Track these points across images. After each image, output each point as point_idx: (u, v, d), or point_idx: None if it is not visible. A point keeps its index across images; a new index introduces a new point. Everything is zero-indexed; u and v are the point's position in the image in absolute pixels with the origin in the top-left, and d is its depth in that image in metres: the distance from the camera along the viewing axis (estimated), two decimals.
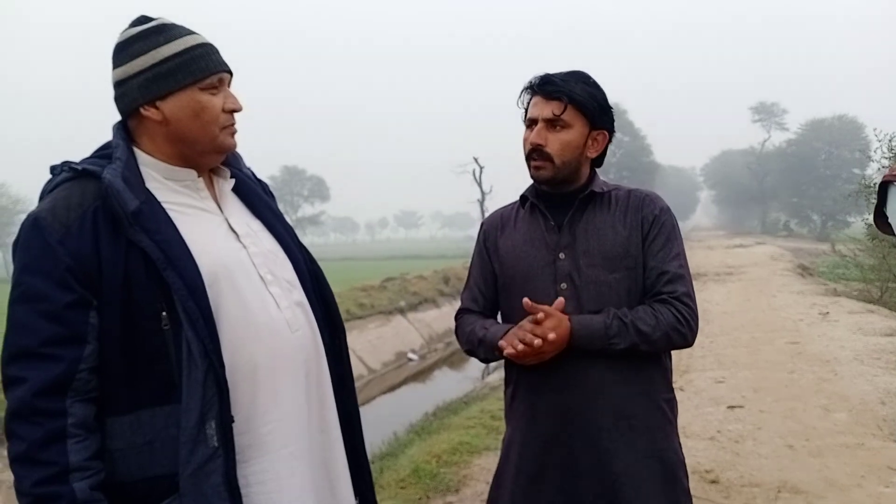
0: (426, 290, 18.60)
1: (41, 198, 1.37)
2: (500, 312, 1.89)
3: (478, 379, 10.76)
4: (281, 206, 1.71)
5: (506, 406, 1.89)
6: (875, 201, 2.12)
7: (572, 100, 1.70)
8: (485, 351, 1.78)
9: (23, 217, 1.37)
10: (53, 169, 1.39)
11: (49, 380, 1.22)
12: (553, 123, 1.72)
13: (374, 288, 16.93)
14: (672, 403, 1.78)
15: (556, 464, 1.71)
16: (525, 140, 1.77)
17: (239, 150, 1.55)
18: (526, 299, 1.63)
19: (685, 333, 1.67)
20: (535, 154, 1.75)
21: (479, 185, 35.10)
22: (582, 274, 1.71)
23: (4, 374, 1.25)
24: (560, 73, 1.76)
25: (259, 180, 1.64)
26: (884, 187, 2.10)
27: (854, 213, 45.73)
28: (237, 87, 1.48)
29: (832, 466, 4.11)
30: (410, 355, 14.47)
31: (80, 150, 1.47)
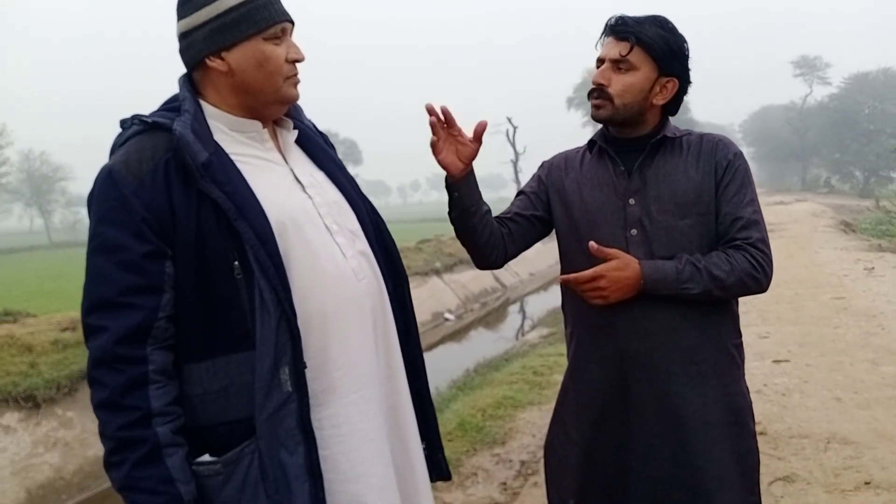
0: (461, 251, 18.26)
1: (112, 151, 1.39)
2: (559, 256, 1.88)
3: (512, 339, 10.81)
4: None
5: (567, 347, 1.91)
6: None
7: (640, 41, 1.66)
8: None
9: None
10: (123, 123, 1.41)
11: (129, 328, 1.25)
12: (618, 64, 1.70)
13: (409, 249, 16.98)
14: (740, 348, 1.77)
15: (620, 406, 1.73)
16: (592, 80, 1.75)
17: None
18: (592, 242, 1.62)
19: (760, 279, 1.65)
20: (595, 93, 1.73)
21: (513, 145, 34.83)
22: (653, 220, 1.69)
23: (85, 324, 1.29)
24: (637, 16, 1.72)
25: (320, 132, 1.66)
26: None
27: None
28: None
29: (881, 418, 4.08)
30: (447, 315, 14.56)
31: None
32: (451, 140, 1.68)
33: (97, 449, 6.27)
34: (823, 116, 54.19)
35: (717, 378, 1.70)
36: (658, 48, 1.67)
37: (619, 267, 1.61)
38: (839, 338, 6.05)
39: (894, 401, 4.38)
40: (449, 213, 1.78)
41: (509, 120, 34.95)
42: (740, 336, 1.78)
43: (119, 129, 1.42)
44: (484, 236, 1.78)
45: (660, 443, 1.69)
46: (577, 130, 58.41)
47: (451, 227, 1.79)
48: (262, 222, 1.32)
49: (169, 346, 1.30)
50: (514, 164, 34.98)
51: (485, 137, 1.71)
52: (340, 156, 1.67)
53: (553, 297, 12.89)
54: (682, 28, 1.75)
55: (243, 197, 1.32)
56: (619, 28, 1.70)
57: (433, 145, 1.68)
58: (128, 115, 1.41)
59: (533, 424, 4.56)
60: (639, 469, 1.72)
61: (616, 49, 1.70)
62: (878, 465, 3.43)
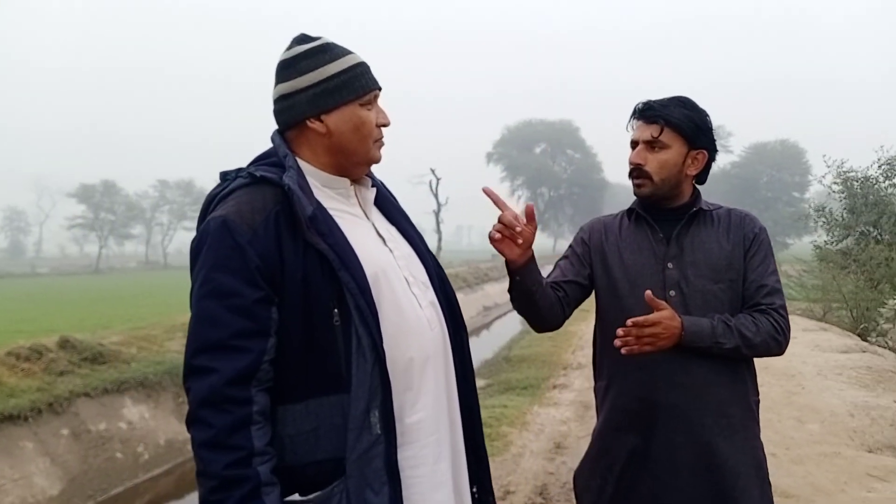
0: None
1: (211, 200, 1.47)
2: (596, 314, 2.02)
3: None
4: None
5: (598, 398, 2.03)
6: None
7: (668, 123, 1.85)
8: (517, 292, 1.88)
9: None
10: (226, 175, 1.50)
11: (239, 370, 1.31)
12: (652, 145, 1.88)
13: None
14: (758, 405, 1.95)
15: (655, 456, 1.85)
16: (629, 160, 1.93)
17: None
18: (648, 292, 1.75)
19: (781, 341, 1.84)
20: (635, 172, 1.91)
21: (436, 196, 35.29)
22: (689, 283, 1.86)
23: (192, 365, 1.33)
24: (661, 100, 1.91)
25: (388, 189, 1.76)
26: None
27: (793, 235, 47.67)
28: None
29: (815, 473, 4.38)
30: None
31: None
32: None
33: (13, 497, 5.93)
34: (726, 182, 57.67)
35: (743, 431, 1.86)
36: (686, 127, 1.87)
37: (671, 317, 1.75)
38: (764, 396, 6.33)
39: (823, 457, 4.70)
40: (510, 290, 1.90)
41: (433, 171, 35.50)
42: (758, 393, 1.96)
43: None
44: (545, 307, 1.90)
45: (691, 490, 1.81)
46: (496, 184, 59.89)
47: None
48: (361, 273, 1.40)
49: (267, 388, 1.36)
50: (437, 214, 35.44)
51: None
52: None
53: (483, 348, 13.02)
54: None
55: (343, 249, 1.40)
56: (648, 112, 1.90)
57: (496, 240, 1.76)
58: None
59: None
60: None
61: (648, 132, 1.89)
62: None
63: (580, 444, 5.46)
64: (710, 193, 2.00)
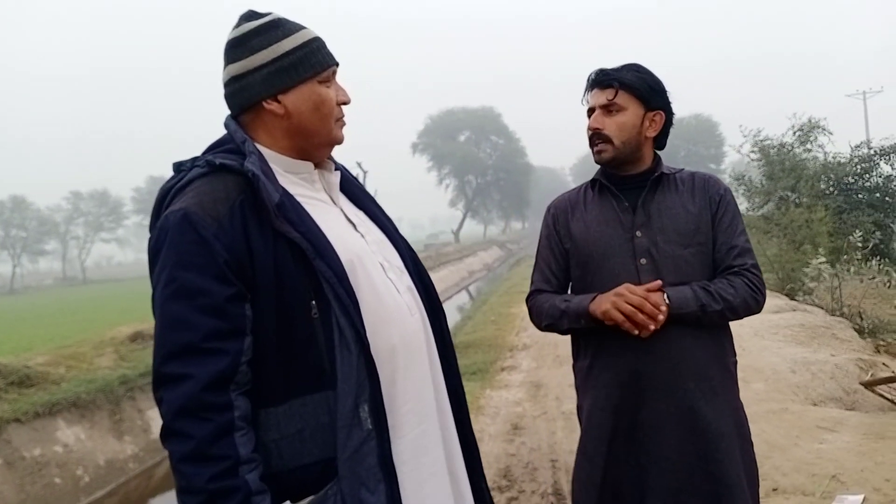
0: None
1: (165, 194, 1.35)
2: (571, 290, 1.99)
3: None
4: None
5: (579, 377, 2.00)
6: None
7: (623, 85, 1.85)
8: (570, 321, 1.88)
9: None
10: (181, 165, 1.37)
11: (216, 373, 1.20)
12: (608, 108, 1.87)
13: None
14: (736, 365, 1.95)
15: (644, 423, 1.84)
16: (588, 127, 1.90)
17: None
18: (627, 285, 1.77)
19: (759, 299, 1.85)
20: (595, 138, 1.89)
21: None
22: (660, 249, 1.85)
23: (163, 373, 1.22)
24: (614, 67, 1.91)
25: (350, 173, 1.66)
26: None
27: None
28: None
29: (767, 430, 4.50)
30: None
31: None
32: None
33: None
34: None
35: (723, 393, 1.86)
36: (640, 87, 1.87)
37: (659, 288, 1.77)
38: None
39: (772, 414, 4.85)
40: (569, 328, 1.92)
41: (359, 165, 35.18)
42: (735, 354, 1.96)
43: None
44: None
45: (677, 456, 1.81)
46: (423, 174, 59.90)
47: None
48: (337, 261, 1.32)
49: (247, 390, 1.26)
50: None
51: None
52: None
53: None
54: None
55: (316, 236, 1.31)
56: (602, 78, 1.89)
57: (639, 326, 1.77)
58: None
59: None
60: (654, 483, 1.82)
61: (603, 96, 1.88)
62: (779, 472, 3.78)
63: (536, 424, 5.48)
64: None
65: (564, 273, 2.01)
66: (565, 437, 5.03)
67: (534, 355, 8.38)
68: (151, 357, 1.25)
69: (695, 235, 1.87)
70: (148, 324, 11.33)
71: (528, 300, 2.05)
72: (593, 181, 2.01)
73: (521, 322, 11.16)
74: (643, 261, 1.86)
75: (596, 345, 1.92)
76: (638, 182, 1.92)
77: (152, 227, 1.34)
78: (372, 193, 1.67)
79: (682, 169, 1.98)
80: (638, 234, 1.88)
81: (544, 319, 1.96)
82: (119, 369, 8.47)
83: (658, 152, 1.99)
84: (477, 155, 61.60)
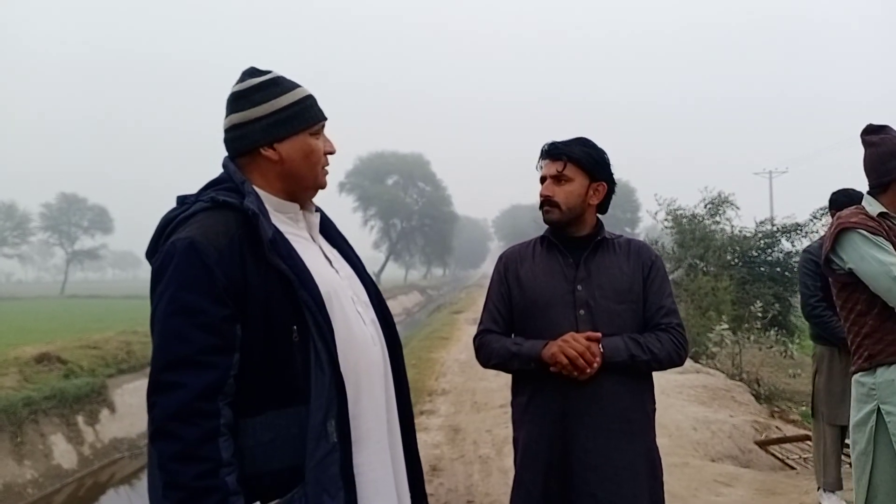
0: None
1: (167, 223, 1.52)
2: (513, 334, 2.21)
3: None
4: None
5: (517, 412, 2.20)
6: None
7: (571, 158, 2.14)
8: (520, 362, 2.09)
9: None
10: (184, 199, 1.56)
11: (208, 384, 1.36)
12: (558, 179, 2.15)
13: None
14: (654, 413, 2.19)
15: (573, 460, 2.04)
16: (540, 193, 2.17)
17: None
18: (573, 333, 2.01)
19: (682, 355, 2.11)
20: (545, 203, 2.16)
21: None
22: (597, 303, 2.09)
23: (159, 381, 1.37)
24: (564, 140, 2.18)
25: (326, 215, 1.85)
26: (838, 235, 2.39)
27: None
28: None
29: (669, 482, 4.72)
30: None
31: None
32: None
33: None
34: None
35: (642, 435, 2.10)
36: (586, 162, 2.15)
37: (598, 339, 2.00)
38: None
39: (675, 467, 5.14)
40: (517, 371, 2.15)
41: None
42: (655, 403, 2.21)
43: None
44: None
45: (601, 492, 2.01)
46: (349, 214, 59.82)
47: None
48: (318, 292, 1.50)
49: (231, 401, 1.42)
50: None
51: None
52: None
53: None
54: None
55: (301, 270, 1.50)
56: (553, 151, 2.18)
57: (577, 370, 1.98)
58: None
59: None
60: None
61: (554, 167, 2.16)
62: None
63: (454, 466, 5.64)
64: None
65: (511, 316, 2.23)
66: (481, 479, 5.22)
67: (452, 401, 8.55)
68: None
69: (628, 293, 2.12)
70: (55, 345, 10.85)
71: (475, 339, 2.26)
72: (542, 238, 2.26)
73: (440, 367, 11.32)
74: (582, 312, 2.09)
75: (534, 384, 2.13)
76: (582, 243, 2.18)
77: (151, 252, 1.51)
78: None
79: (621, 235, 2.26)
80: (579, 287, 2.12)
81: (493, 358, 2.17)
82: (23, 390, 8.12)
83: (600, 217, 2.26)
84: (404, 200, 62.11)
